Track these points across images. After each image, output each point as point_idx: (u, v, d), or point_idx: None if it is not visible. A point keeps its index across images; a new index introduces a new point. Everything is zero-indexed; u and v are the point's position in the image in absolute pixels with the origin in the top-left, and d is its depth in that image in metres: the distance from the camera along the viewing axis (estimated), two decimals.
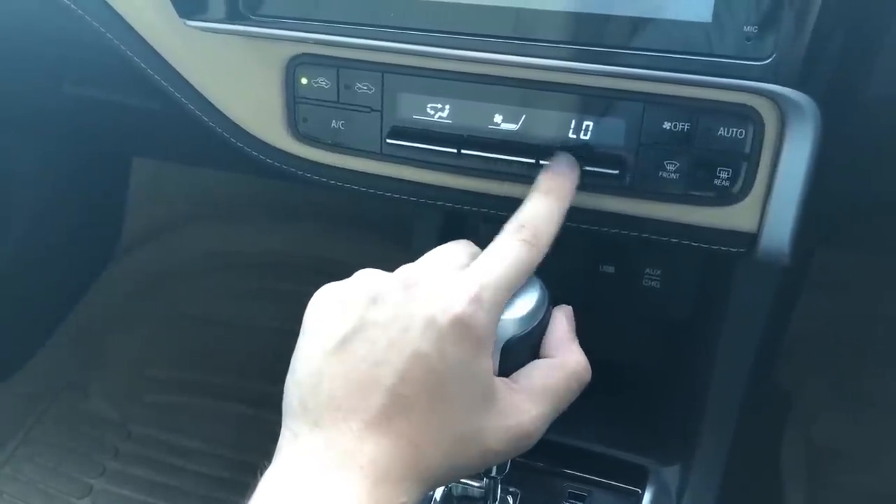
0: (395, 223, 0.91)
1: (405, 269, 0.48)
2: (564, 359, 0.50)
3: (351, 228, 1.41)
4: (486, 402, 0.45)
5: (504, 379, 0.48)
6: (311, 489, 0.41)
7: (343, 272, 0.50)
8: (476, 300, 0.45)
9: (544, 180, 0.53)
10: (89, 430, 1.32)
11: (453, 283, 0.46)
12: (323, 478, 0.41)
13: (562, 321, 0.52)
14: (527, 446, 0.47)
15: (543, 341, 0.51)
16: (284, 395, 0.46)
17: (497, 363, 0.48)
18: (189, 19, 0.59)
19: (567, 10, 0.50)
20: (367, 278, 0.47)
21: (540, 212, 0.51)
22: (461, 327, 0.44)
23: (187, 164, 1.20)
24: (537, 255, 0.49)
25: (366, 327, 0.44)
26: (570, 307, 0.54)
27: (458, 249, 0.50)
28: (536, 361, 0.50)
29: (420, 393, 0.43)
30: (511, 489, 0.67)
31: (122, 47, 0.65)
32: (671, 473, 0.71)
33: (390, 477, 0.42)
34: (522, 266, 0.48)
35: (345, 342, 0.44)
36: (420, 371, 0.43)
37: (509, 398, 0.46)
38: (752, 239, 0.56)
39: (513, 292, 0.48)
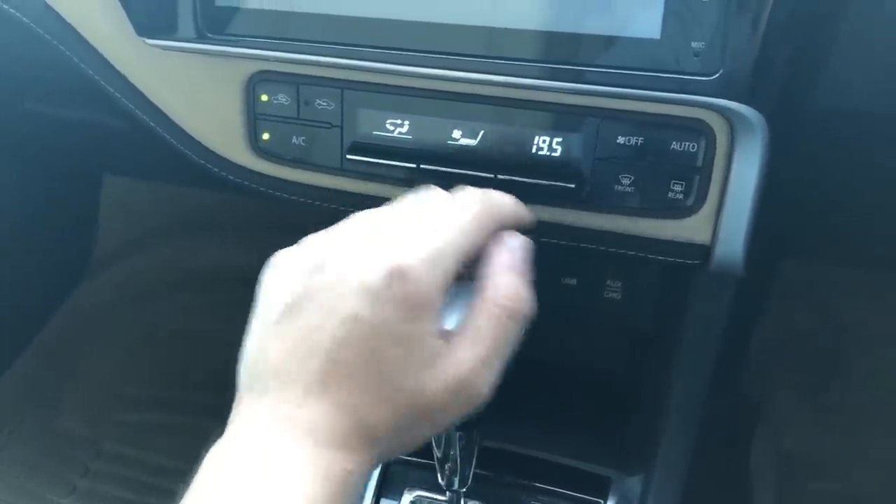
0: None
1: (352, 228, 0.46)
2: (489, 293, 0.46)
3: None
4: (429, 364, 0.43)
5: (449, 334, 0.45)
6: (253, 456, 0.41)
7: None
8: (414, 258, 0.43)
9: None
10: (60, 448, 1.31)
11: (392, 242, 0.44)
12: (266, 443, 0.41)
13: (501, 251, 0.48)
14: (471, 398, 0.44)
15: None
16: (238, 371, 0.45)
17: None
18: (148, 38, 0.60)
19: (519, 27, 0.51)
20: (314, 245, 0.46)
21: (476, 190, 0.49)
22: (397, 288, 0.42)
23: (156, 181, 1.20)
24: (481, 216, 0.47)
25: (308, 295, 0.43)
26: (524, 239, 0.49)
27: (414, 206, 0.48)
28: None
29: (357, 357, 0.42)
30: (474, 502, 0.67)
31: (82, 65, 0.65)
32: (633, 483, 0.71)
33: (333, 442, 0.41)
34: (467, 226, 0.46)
35: (288, 312, 0.44)
36: (356, 335, 0.42)
37: (450, 353, 0.44)
38: (706, 250, 0.57)
39: (462, 254, 0.45)
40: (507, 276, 0.46)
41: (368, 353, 0.42)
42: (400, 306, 0.42)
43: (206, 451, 0.42)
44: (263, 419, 0.42)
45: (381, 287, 0.42)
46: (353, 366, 0.42)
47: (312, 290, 0.44)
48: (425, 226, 0.45)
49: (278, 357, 0.43)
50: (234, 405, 0.44)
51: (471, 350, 0.44)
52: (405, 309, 0.43)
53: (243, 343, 0.46)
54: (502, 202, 0.50)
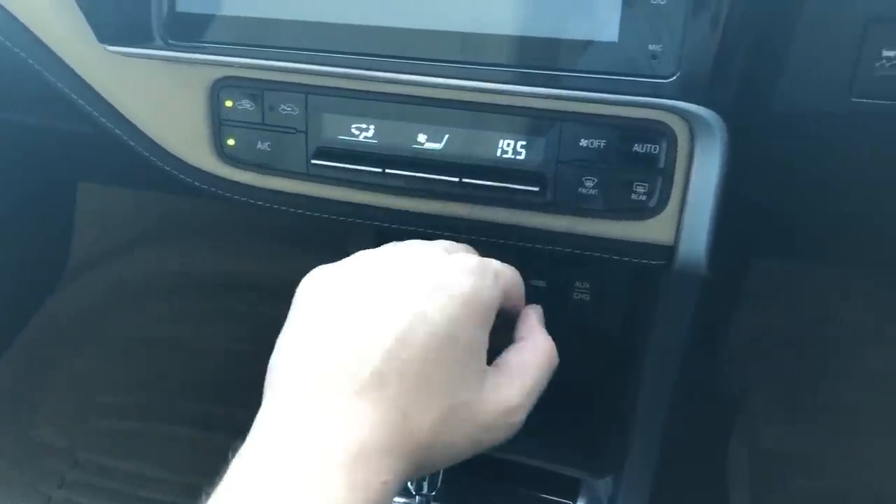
0: (343, 242, 0.91)
1: (409, 244, 0.50)
2: (534, 340, 0.51)
3: (301, 248, 1.40)
4: (478, 376, 0.45)
5: None
6: (286, 463, 0.39)
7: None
8: (488, 273, 0.47)
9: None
10: (34, 459, 1.29)
11: (467, 256, 0.48)
12: (299, 450, 0.39)
13: (531, 313, 0.54)
14: (511, 425, 0.47)
15: (516, 329, 0.53)
16: (269, 371, 0.44)
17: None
18: (110, 45, 0.60)
19: (480, 32, 0.52)
20: (370, 253, 0.49)
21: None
22: (471, 296, 0.45)
23: (127, 187, 1.19)
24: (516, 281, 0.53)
25: (371, 292, 0.44)
26: (539, 307, 0.56)
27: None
28: (509, 347, 0.51)
29: (417, 357, 0.42)
30: None
31: (45, 73, 0.65)
32: (603, 485, 0.72)
33: (373, 451, 0.40)
34: (519, 280, 0.53)
35: (345, 311, 0.44)
36: (421, 333, 0.43)
37: (494, 376, 0.47)
38: (669, 251, 0.58)
39: (514, 292, 0.51)
40: (544, 332, 0.53)
41: (429, 354, 0.43)
42: (471, 315, 0.45)
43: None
44: (297, 422, 0.41)
45: (457, 292, 0.45)
46: (411, 366, 0.42)
47: (376, 286, 0.45)
48: (482, 260, 0.50)
49: (327, 358, 0.43)
50: (265, 407, 0.43)
51: (518, 381, 0.48)
52: (474, 318, 0.45)
53: (280, 343, 0.45)
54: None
